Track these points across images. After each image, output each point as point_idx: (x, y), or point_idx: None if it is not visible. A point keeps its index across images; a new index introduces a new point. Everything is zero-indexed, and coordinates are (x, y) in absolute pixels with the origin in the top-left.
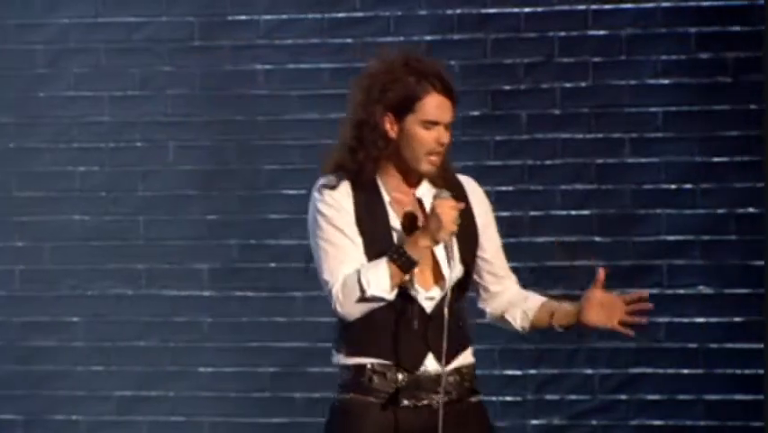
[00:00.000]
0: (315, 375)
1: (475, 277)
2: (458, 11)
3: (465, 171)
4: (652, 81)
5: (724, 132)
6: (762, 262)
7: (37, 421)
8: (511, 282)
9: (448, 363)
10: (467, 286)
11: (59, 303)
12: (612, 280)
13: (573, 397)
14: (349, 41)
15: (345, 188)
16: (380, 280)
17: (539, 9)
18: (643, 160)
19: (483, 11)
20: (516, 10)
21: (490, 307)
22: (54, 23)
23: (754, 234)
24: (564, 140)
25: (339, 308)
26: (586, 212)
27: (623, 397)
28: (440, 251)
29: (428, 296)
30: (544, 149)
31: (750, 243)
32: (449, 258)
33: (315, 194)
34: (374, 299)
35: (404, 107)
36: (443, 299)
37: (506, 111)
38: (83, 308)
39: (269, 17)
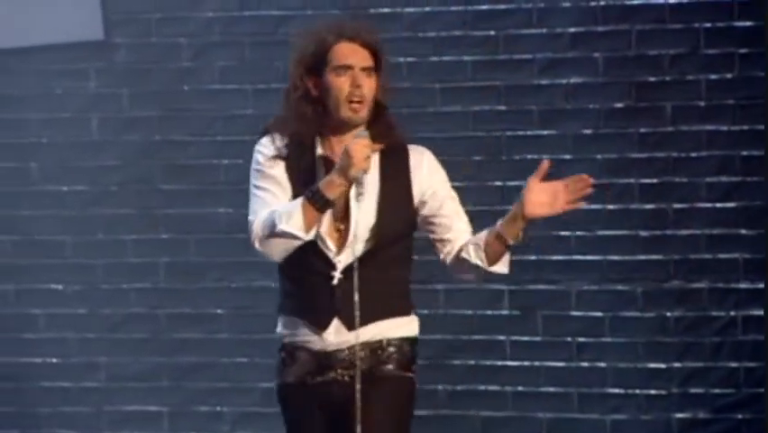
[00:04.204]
0: (458, 368)
1: (429, 235)
2: (602, 2)
3: (608, 164)
4: None
5: None
6: None
7: (182, 413)
8: (463, 229)
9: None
10: (392, 255)
11: (204, 295)
12: (755, 273)
13: (718, 391)
14: (492, 33)
15: (281, 144)
16: (293, 217)
17: (684, 0)
18: None
19: (627, 2)
20: (661, 1)
21: (448, 255)
22: (198, 16)
23: None
24: (709, 132)
25: (256, 244)
26: (731, 204)
27: None
28: (356, 209)
29: (338, 258)
30: (689, 141)
31: None
32: (358, 195)
33: (256, 147)
34: (286, 234)
35: (319, 62)
36: (351, 263)
37: (650, 103)
38: (227, 300)
39: (411, 10)
